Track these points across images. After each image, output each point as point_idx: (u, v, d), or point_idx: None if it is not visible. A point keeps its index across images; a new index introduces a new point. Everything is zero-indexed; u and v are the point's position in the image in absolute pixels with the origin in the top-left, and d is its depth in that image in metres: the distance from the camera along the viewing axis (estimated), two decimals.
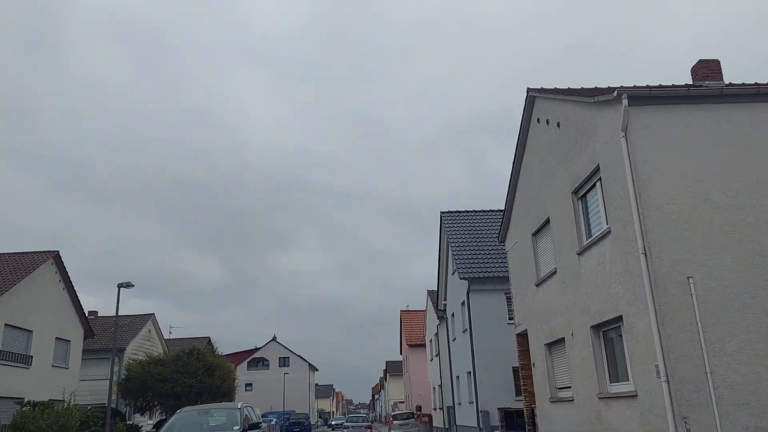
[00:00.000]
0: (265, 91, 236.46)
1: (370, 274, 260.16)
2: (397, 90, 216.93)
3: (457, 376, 28.77)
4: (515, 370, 21.49)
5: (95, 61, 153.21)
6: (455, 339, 29.02)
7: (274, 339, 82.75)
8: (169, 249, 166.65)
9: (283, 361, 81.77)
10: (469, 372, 25.31)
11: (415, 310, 50.93)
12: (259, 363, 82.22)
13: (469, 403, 25.72)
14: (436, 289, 33.60)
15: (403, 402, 66.10)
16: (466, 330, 25.77)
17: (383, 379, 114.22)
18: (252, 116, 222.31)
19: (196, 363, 34.35)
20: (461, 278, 24.85)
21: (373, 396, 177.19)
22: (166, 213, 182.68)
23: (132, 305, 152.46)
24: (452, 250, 26.81)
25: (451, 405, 31.08)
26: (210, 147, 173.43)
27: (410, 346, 47.10)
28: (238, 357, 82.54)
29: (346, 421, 40.29)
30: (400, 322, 53.54)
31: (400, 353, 56.12)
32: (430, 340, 39.62)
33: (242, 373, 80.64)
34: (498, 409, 21.68)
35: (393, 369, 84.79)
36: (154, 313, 42.31)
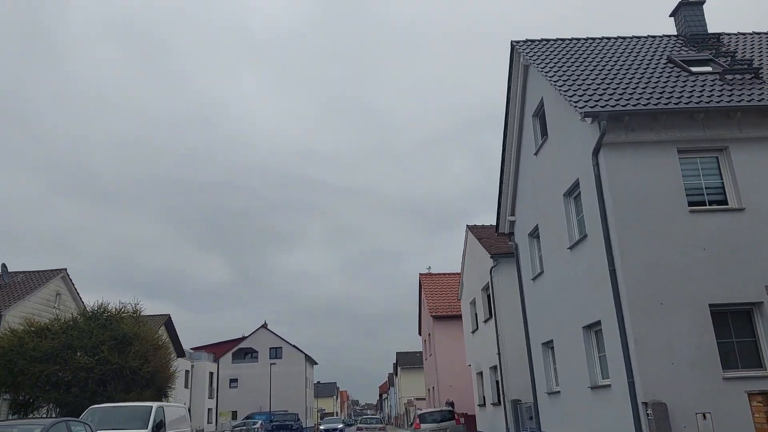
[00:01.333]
0: (267, 89, 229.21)
1: (375, 274, 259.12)
2: (401, 85, 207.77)
3: (549, 342, 15.48)
4: (717, 315, 10.89)
5: (94, 62, 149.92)
6: (540, 273, 15.73)
7: (264, 326, 69.61)
8: (172, 250, 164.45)
9: (275, 352, 68.62)
10: (595, 325, 12.13)
11: (440, 274, 37.78)
12: (247, 354, 69.16)
13: (596, 387, 12.48)
14: (492, 216, 20.13)
15: (422, 399, 52.75)
16: (584, 238, 12.53)
17: (393, 375, 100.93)
18: (254, 115, 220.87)
19: (100, 333, 21.22)
20: (585, 115, 11.41)
21: (380, 395, 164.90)
22: (169, 214, 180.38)
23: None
24: (554, 84, 13.38)
25: (528, 395, 17.79)
26: (212, 147, 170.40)
27: (436, 318, 33.86)
28: (220, 348, 69.42)
29: (360, 423, 38.80)
30: (419, 292, 40.24)
31: (419, 334, 42.87)
32: (472, 302, 26.30)
33: (226, 367, 67.55)
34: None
35: (406, 361, 71.50)
36: (65, 269, 29.19)
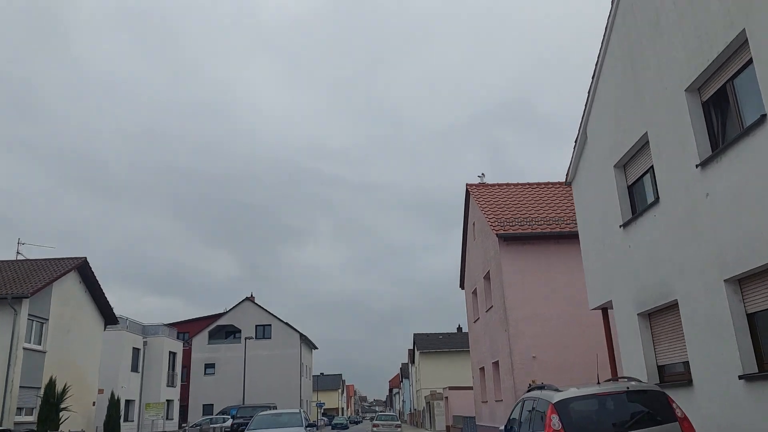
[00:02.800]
0: (277, 81, 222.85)
1: (386, 269, 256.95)
2: (412, 78, 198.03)
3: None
4: None
5: (104, 52, 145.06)
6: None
7: (249, 299, 55.72)
8: (181, 244, 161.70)
9: (262, 331, 54.75)
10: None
11: (500, 184, 23.39)
12: (228, 334, 55.40)
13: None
14: None
15: (461, 388, 39.11)
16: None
17: (408, 365, 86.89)
18: (264, 107, 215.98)
19: None
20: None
21: (390, 391, 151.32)
22: (178, 208, 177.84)
23: (146, 303, 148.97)
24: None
25: None
26: (222, 140, 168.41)
27: (504, 241, 19.28)
28: (193, 326, 55.59)
29: (376, 419, 37.69)
30: (465, 215, 25.79)
31: (461, 286, 28.54)
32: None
33: (200, 350, 53.83)
34: None
35: (427, 344, 57.52)
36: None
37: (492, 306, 21.37)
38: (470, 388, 40.02)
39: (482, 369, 24.10)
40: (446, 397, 38.56)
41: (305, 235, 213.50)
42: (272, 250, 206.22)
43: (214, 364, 52.92)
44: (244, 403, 45.71)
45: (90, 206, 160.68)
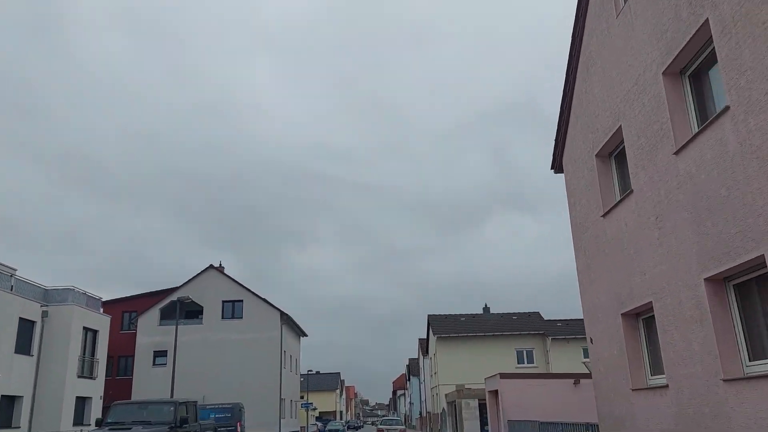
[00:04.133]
0: (279, 81, 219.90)
1: (388, 272, 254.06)
2: (415, 77, 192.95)
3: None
4: None
5: (104, 52, 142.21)
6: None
7: (213, 267, 42.78)
8: (182, 246, 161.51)
9: (231, 309, 41.79)
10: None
11: None
12: (188, 314, 42.56)
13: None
14: None
15: (515, 378, 26.82)
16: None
17: (417, 361, 73.98)
18: (265, 108, 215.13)
19: None
20: None
21: (394, 393, 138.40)
22: (179, 209, 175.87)
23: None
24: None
25: None
26: (223, 141, 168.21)
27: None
28: (140, 303, 42.90)
29: (381, 424, 38.02)
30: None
31: (558, 167, 15.55)
32: None
33: (147, 332, 40.98)
34: None
35: (446, 326, 44.77)
36: None
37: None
38: (538, 375, 27.15)
39: (632, 317, 11.09)
40: (493, 392, 25.60)
41: (308, 237, 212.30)
42: (274, 252, 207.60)
43: (165, 351, 40.04)
44: (204, 402, 33.04)
45: (90, 208, 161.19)
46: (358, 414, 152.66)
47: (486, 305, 48.21)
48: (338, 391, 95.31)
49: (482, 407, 32.87)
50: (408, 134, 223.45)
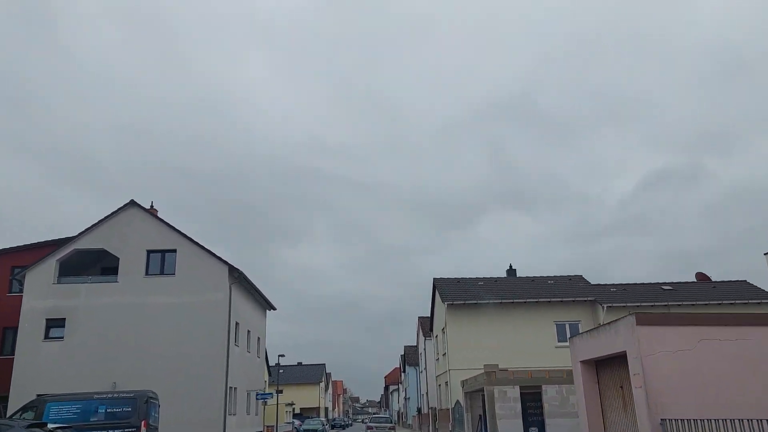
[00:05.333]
0: (274, 75, 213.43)
1: (383, 270, 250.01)
2: (412, 73, 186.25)
3: None
4: None
5: (96, 46, 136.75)
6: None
7: (136, 204, 30.69)
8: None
9: (159, 262, 29.87)
10: None
11: None
12: (103, 270, 30.75)
13: None
14: None
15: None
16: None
17: (415, 349, 62.53)
18: (260, 102, 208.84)
19: None
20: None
21: (386, 389, 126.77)
22: (171, 205, 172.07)
23: None
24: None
25: None
26: (217, 135, 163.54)
27: None
28: (30, 256, 30.90)
29: (370, 422, 38.55)
30: None
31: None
32: None
33: (38, 294, 28.69)
34: None
35: (459, 293, 33.14)
36: None
37: None
38: (725, 319, 15.15)
39: None
40: (604, 361, 13.68)
41: (302, 234, 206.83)
42: (268, 249, 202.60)
43: (63, 319, 28.06)
44: (116, 390, 21.26)
45: (82, 202, 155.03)
46: (347, 411, 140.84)
47: (511, 266, 36.51)
48: (323, 384, 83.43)
49: (525, 399, 21.25)
50: (405, 131, 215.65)
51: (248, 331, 34.00)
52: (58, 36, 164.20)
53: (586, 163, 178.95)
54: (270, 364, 65.48)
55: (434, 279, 35.35)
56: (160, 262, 29.66)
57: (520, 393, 21.07)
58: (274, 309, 40.46)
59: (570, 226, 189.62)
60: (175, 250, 29.71)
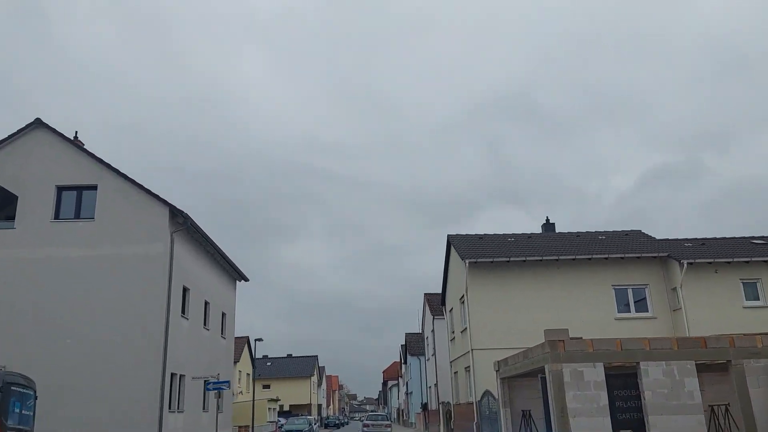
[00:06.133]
0: (268, 72, 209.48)
1: (378, 268, 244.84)
2: (408, 69, 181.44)
3: None
4: None
5: (89, 41, 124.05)
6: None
7: (43, 124, 22.44)
8: None
9: (75, 204, 21.62)
10: None
11: None
12: None
13: None
14: None
15: None
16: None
17: (418, 337, 54.73)
18: (254, 99, 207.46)
19: None
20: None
21: (384, 384, 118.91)
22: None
23: None
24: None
25: None
26: (211, 133, 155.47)
27: None
28: None
29: (367, 419, 38.12)
30: None
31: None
32: None
33: None
34: None
35: (482, 250, 24.64)
36: None
37: None
38: None
39: None
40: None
41: (296, 232, 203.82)
42: (263, 247, 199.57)
43: None
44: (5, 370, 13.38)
45: None
46: (343, 409, 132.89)
47: (548, 219, 28.47)
48: (314, 379, 75.38)
49: (611, 384, 13.26)
50: (402, 129, 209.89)
51: (206, 303, 25.93)
52: (50, 30, 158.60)
53: (583, 160, 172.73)
54: (256, 356, 57.54)
55: (449, 236, 27.29)
56: (74, 202, 21.55)
57: (605, 373, 13.05)
58: (246, 280, 32.41)
59: (567, 223, 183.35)
60: (95, 187, 21.58)
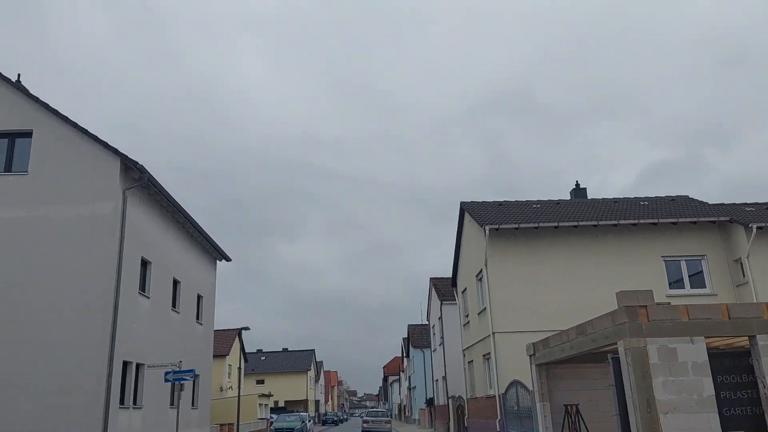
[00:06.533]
0: (267, 68, 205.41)
1: (377, 266, 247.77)
2: (407, 65, 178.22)
3: None
4: None
5: (81, 32, 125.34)
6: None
7: None
8: None
9: (7, 154, 17.56)
10: None
11: None
12: None
13: None
14: None
15: None
16: None
17: (422, 328, 51.09)
18: (253, 96, 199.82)
19: None
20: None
21: (385, 380, 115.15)
22: None
23: None
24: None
25: None
26: (209, 130, 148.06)
27: None
28: None
29: (366, 416, 38.75)
30: None
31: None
32: None
33: None
34: None
35: (501, 215, 20.37)
36: None
37: None
38: None
39: None
40: None
41: (296, 230, 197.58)
42: (263, 245, 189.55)
43: None
44: None
45: None
46: (342, 405, 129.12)
47: (577, 184, 24.44)
48: (312, 374, 71.45)
49: (715, 367, 9.23)
50: (400, 124, 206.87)
51: (175, 282, 21.93)
52: (43, 23, 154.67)
53: (583, 156, 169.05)
54: (245, 349, 53.64)
55: (462, 203, 23.24)
56: (4, 152, 17.51)
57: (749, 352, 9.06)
58: (228, 259, 28.41)
59: None
60: (29, 133, 17.54)
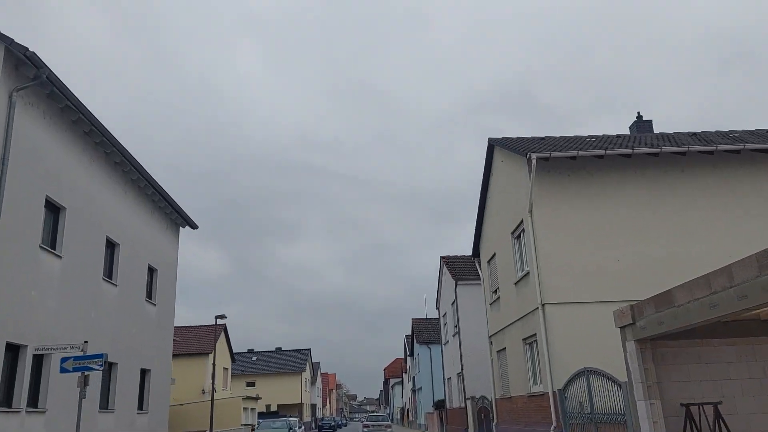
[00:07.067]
0: (265, 68, 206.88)
1: (377, 266, 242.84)
2: (407, 65, 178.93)
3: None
4: None
5: (78, 33, 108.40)
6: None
7: None
8: None
9: None
10: None
11: None
12: None
13: None
14: None
15: None
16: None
17: (430, 322, 45.62)
18: (251, 96, 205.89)
19: None
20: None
21: (386, 383, 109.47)
22: None
23: None
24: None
25: None
26: (207, 130, 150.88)
27: None
28: None
29: (367, 420, 37.36)
30: None
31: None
32: None
33: None
34: None
35: (533, 148, 13.73)
36: None
37: None
38: None
39: None
40: None
41: (296, 230, 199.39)
42: (262, 246, 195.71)
43: None
44: None
45: None
46: (342, 409, 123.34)
47: (639, 115, 18.95)
48: (307, 375, 65.81)
49: None
50: (399, 124, 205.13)
51: (110, 243, 16.42)
52: (38, 20, 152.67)
53: None
54: (234, 350, 48.23)
55: (491, 139, 17.77)
56: None
57: None
58: (194, 227, 22.91)
59: None
60: None
